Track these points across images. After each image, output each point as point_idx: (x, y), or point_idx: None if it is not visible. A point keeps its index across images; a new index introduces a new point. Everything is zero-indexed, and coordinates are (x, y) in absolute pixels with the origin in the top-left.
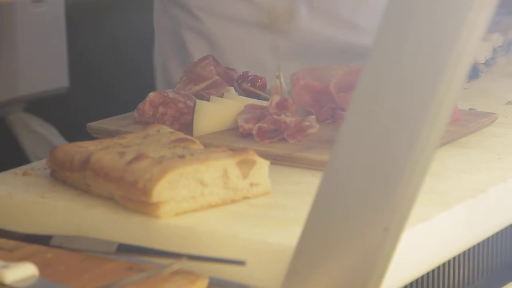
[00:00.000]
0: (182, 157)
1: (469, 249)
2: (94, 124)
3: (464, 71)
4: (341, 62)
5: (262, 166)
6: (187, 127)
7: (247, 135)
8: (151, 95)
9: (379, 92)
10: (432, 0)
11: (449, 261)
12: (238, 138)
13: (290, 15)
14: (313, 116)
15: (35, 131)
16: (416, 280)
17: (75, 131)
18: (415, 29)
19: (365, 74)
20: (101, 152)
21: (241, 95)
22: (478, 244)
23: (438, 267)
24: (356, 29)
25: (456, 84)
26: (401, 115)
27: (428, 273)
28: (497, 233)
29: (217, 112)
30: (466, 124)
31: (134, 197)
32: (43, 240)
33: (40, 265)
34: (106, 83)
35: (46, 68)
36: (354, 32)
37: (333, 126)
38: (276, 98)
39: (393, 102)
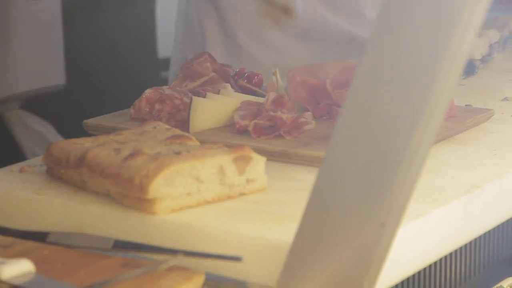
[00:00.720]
0: (178, 153)
1: (465, 245)
2: (90, 121)
3: (460, 68)
4: (349, 49)
5: (258, 162)
6: (184, 123)
7: (243, 132)
8: (147, 92)
9: (374, 89)
10: None
11: (445, 257)
12: (234, 134)
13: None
14: (309, 113)
15: (31, 128)
16: (412, 276)
17: (71, 128)
18: (411, 25)
19: (360, 70)
20: (97, 148)
21: (237, 92)
22: (474, 240)
23: (434, 263)
24: (361, 20)
25: (452, 80)
26: (396, 112)
27: (424, 269)
28: (493, 229)
29: (213, 108)
30: (462, 120)
31: (130, 194)
32: (39, 236)
33: (37, 262)
34: (103, 80)
35: (42, 65)
36: (360, 23)
37: (330, 123)
38: (272, 95)
39: (389, 99)
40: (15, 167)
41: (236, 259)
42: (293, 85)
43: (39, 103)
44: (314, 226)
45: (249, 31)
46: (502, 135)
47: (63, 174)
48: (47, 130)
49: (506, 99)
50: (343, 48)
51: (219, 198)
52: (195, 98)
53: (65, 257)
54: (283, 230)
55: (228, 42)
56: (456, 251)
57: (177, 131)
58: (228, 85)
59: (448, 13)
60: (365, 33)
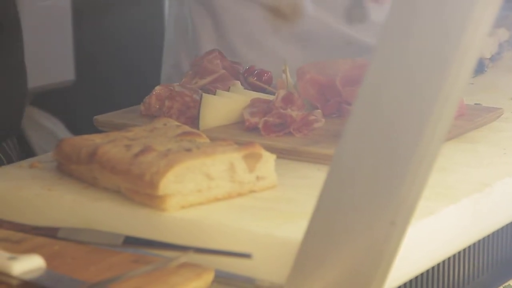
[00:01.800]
0: (188, 150)
1: (474, 244)
2: (100, 117)
3: (470, 66)
4: (347, 53)
5: (268, 160)
6: (194, 120)
7: (253, 129)
8: (158, 88)
9: (385, 87)
10: None
11: (454, 255)
12: (244, 132)
13: (295, 9)
14: (319, 110)
15: (41, 125)
16: (422, 275)
17: (80, 125)
18: (421, 23)
19: (371, 68)
20: (108, 145)
21: (247, 89)
22: (484, 238)
23: (444, 261)
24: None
25: (462, 78)
26: (407, 110)
27: (433, 267)
28: (502, 228)
29: (223, 106)
30: (472, 119)
31: (141, 190)
32: (50, 232)
33: (47, 257)
34: (112, 76)
35: (51, 61)
36: (360, 25)
37: (339, 120)
38: (282, 92)
39: (400, 97)
40: (25, 163)
41: (246, 256)
42: (302, 83)
43: (48, 99)
44: (324, 223)
45: (245, 37)
46: (511, 133)
47: (73, 170)
48: (56, 126)
49: None
50: (342, 51)
51: (229, 195)
52: (205, 95)
53: (75, 252)
54: (292, 228)
55: (223, 47)
56: (465, 249)
57: (187, 128)
58: (238, 83)
59: (459, 10)
60: (365, 36)
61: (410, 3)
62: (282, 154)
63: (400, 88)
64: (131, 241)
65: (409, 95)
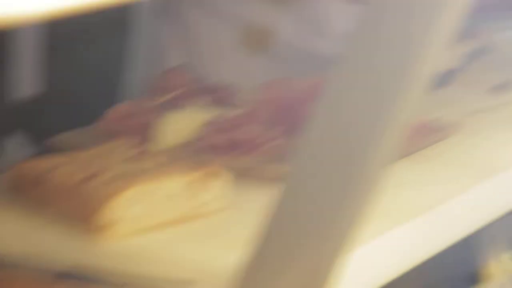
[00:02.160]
0: (143, 171)
1: (424, 262)
2: (56, 138)
3: (423, 82)
4: (314, 68)
5: (224, 179)
6: (151, 139)
7: (211, 148)
8: (117, 106)
9: (337, 107)
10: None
11: (405, 274)
12: (202, 150)
13: (268, 36)
14: (276, 129)
15: None
16: None
17: (38, 143)
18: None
19: (325, 90)
20: (60, 168)
21: (208, 106)
22: (434, 256)
23: (393, 280)
24: (325, 35)
25: (411, 99)
26: (357, 128)
27: (384, 287)
28: (453, 245)
29: (182, 123)
30: (427, 135)
31: (87, 216)
32: None
33: None
34: (73, 92)
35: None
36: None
37: (296, 140)
38: (241, 110)
39: (350, 116)
40: None
41: (189, 283)
42: (261, 101)
43: None
44: (270, 247)
45: (212, 52)
46: (469, 149)
47: (21, 193)
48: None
49: (474, 112)
50: (310, 67)
51: (181, 218)
52: (164, 113)
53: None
54: (240, 254)
55: (189, 62)
56: (416, 268)
57: (144, 148)
58: (199, 100)
59: (419, 22)
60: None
61: (366, 24)
62: (239, 173)
63: (350, 110)
64: (65, 275)
65: (357, 117)
